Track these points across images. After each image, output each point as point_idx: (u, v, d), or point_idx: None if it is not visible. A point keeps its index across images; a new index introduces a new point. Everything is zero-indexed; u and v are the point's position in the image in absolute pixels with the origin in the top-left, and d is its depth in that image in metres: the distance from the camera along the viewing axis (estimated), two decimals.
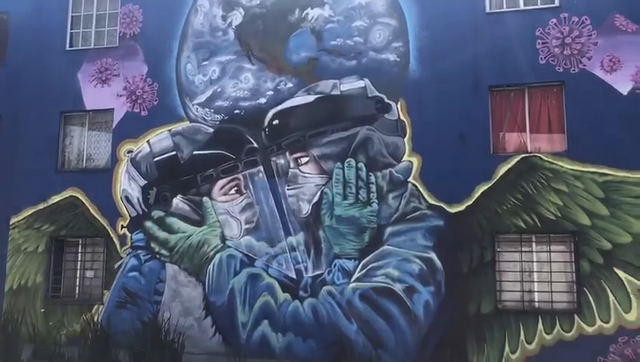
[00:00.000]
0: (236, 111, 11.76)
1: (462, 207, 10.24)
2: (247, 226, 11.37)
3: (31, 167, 12.76)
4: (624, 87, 9.88)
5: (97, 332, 9.00)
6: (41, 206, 12.59)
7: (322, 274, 10.78)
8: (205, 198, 11.64)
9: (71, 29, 13.23)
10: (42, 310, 11.82)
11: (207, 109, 11.95)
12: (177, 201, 11.79)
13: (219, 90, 11.95)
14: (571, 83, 10.14)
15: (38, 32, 13.30)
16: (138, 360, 8.23)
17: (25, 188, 12.72)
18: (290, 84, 11.53)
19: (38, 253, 12.51)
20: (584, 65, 10.10)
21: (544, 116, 10.44)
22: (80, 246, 12.55)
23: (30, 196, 12.64)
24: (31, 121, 13.00)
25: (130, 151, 12.23)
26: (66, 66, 12.93)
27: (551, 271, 9.89)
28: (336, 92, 11.22)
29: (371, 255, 10.53)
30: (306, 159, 11.22)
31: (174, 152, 11.96)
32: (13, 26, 13.75)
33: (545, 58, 10.31)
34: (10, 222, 12.76)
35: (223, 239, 11.42)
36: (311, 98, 11.36)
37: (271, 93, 11.62)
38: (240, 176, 11.55)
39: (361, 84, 11.10)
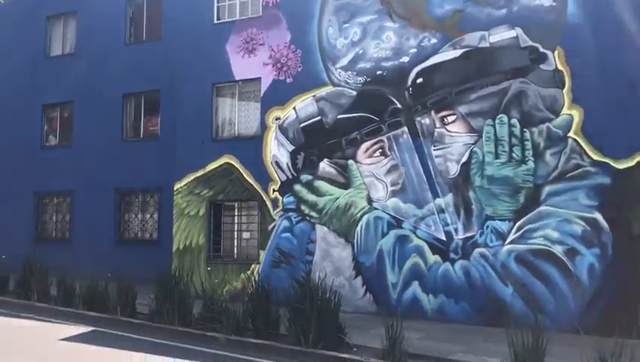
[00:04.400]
0: (379, 72, 11.63)
1: (632, 163, 9.31)
2: (393, 188, 11.32)
3: (189, 137, 13.72)
4: None
5: (259, 290, 9.50)
6: (199, 173, 13.54)
7: (474, 235, 10.46)
8: (350, 161, 11.75)
9: (217, 2, 13.84)
10: (209, 268, 12.86)
11: (350, 72, 11.94)
12: (324, 165, 12.04)
13: (360, 51, 11.87)
14: None
15: (188, 8, 14.12)
16: (298, 316, 8.59)
17: (185, 156, 13.75)
18: (434, 40, 11.12)
19: (199, 217, 13.54)
20: None
21: None
22: (236, 210, 13.38)
23: (190, 164, 13.64)
24: (186, 94, 13.93)
25: (277, 118, 12.66)
26: (215, 39, 13.60)
27: None
28: (484, 44, 10.62)
29: (528, 216, 9.99)
30: (453, 117, 10.83)
31: (319, 117, 12.17)
32: (166, 4, 14.70)
33: None
34: (174, 188, 13.89)
35: (370, 201, 11.50)
36: (457, 53, 10.87)
37: (414, 50, 11.31)
38: (384, 138, 11.48)
39: (512, 33, 10.39)
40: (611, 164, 9.47)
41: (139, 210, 16.32)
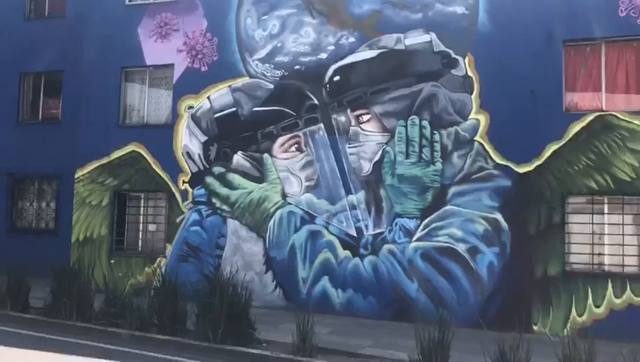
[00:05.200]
0: (296, 67, 11.59)
1: (531, 167, 9.91)
2: (307, 184, 11.35)
3: (94, 122, 12.98)
4: None
5: (165, 284, 9.17)
6: (104, 160, 12.85)
7: (383, 232, 10.71)
8: (266, 155, 11.63)
9: None
10: (111, 261, 12.24)
11: (267, 65, 11.80)
12: (238, 158, 11.83)
13: (279, 45, 11.76)
14: None
15: None
16: (207, 311, 8.38)
17: (88, 142, 12.99)
18: (352, 39, 11.24)
19: (102, 207, 12.86)
20: None
21: (622, 73, 9.88)
22: (142, 201, 12.85)
23: (94, 150, 12.91)
24: (92, 76, 13.17)
25: (190, 107, 12.28)
26: (126, 21, 12.95)
27: (623, 235, 9.53)
28: (400, 47, 10.88)
29: (434, 214, 10.38)
30: (368, 116, 11.01)
31: (234, 108, 11.94)
32: None
33: (625, 10, 9.68)
34: (75, 176, 13.08)
35: (284, 196, 11.45)
36: (373, 53, 11.06)
37: (332, 48, 11.37)
38: (300, 133, 11.47)
39: (426, 38, 10.72)
40: (512, 167, 10.02)
41: (34, 198, 15.26)
